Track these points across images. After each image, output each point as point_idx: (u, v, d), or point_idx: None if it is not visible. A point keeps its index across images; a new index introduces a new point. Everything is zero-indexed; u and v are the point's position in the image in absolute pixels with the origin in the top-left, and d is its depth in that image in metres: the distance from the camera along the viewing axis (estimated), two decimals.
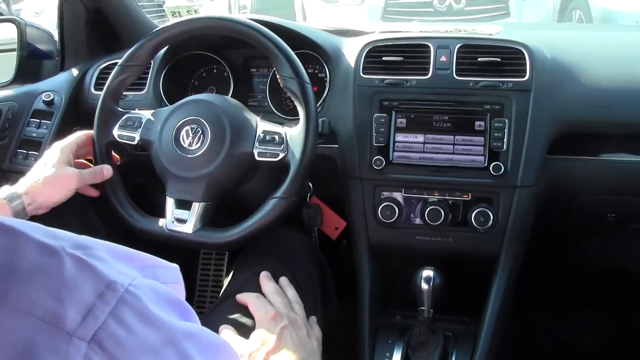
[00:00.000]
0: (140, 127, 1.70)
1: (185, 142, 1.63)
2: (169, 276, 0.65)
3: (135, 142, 1.70)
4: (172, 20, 1.77)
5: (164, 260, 0.65)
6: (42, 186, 1.56)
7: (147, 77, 2.01)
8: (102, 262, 0.56)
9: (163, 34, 1.73)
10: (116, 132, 1.71)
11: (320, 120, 1.71)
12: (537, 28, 3.09)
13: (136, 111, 1.75)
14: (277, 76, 1.64)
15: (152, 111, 1.74)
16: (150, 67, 2.01)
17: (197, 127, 1.63)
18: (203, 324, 0.67)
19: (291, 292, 1.56)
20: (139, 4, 2.37)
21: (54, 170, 1.57)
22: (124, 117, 1.72)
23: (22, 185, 1.56)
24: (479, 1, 6.68)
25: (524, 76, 1.71)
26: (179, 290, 0.66)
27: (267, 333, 1.37)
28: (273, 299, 1.49)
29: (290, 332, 1.39)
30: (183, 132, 1.64)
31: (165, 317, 0.58)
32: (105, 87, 1.74)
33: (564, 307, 2.16)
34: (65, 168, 1.59)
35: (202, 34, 1.76)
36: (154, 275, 0.62)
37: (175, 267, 0.66)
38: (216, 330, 1.44)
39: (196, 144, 1.62)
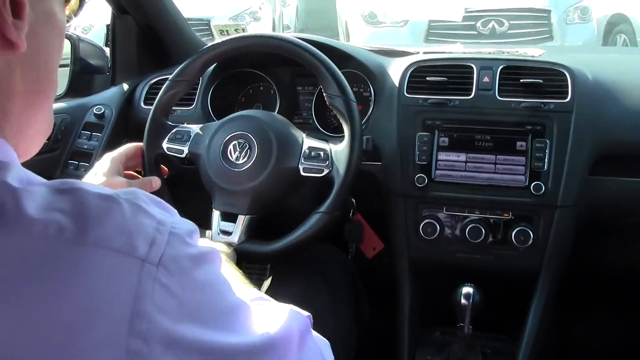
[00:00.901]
0: (188, 141, 1.74)
1: (233, 156, 1.66)
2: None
3: (183, 155, 1.74)
4: (221, 38, 1.81)
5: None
6: None
7: (196, 93, 2.05)
8: (147, 205, 0.67)
9: (213, 51, 1.77)
10: (165, 145, 1.75)
11: (364, 137, 1.73)
12: (579, 51, 3.11)
13: (185, 125, 1.79)
14: (323, 94, 1.67)
15: (201, 125, 1.77)
16: (199, 83, 2.05)
17: (245, 142, 1.66)
18: None
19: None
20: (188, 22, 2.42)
21: (104, 179, 1.60)
22: (173, 131, 1.76)
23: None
24: (522, 25, 6.67)
25: (565, 97, 1.72)
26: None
27: None
28: None
29: None
30: (230, 147, 1.67)
31: (197, 240, 0.72)
32: (155, 101, 1.78)
33: (607, 321, 2.14)
34: (115, 177, 1.63)
35: (250, 51, 1.80)
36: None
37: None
38: None
39: (243, 158, 1.65)
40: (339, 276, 1.83)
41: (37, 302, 0.58)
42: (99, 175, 1.62)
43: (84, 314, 0.59)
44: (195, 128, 1.76)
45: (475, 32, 6.49)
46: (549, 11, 6.76)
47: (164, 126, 1.77)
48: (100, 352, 0.59)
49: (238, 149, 1.66)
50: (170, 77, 1.78)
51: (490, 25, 6.50)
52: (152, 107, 1.78)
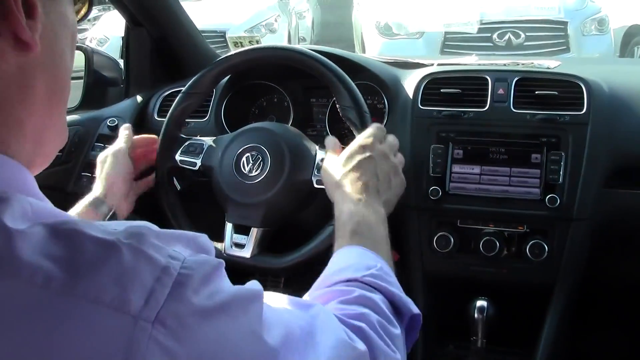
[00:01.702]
0: (201, 153, 1.74)
1: (246, 169, 1.66)
2: (207, 242, 0.71)
3: (196, 168, 1.74)
4: (234, 50, 1.81)
5: (196, 233, 0.71)
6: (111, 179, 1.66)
7: (210, 105, 2.05)
8: (154, 248, 0.62)
9: (225, 63, 1.77)
10: (178, 157, 1.75)
11: None
12: (596, 63, 3.09)
13: (198, 137, 1.79)
14: (337, 106, 1.67)
15: (214, 138, 1.78)
16: (212, 95, 2.05)
17: (257, 154, 1.66)
18: None
19: (391, 137, 1.55)
20: (202, 34, 2.43)
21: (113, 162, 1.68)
22: (186, 143, 1.76)
23: (98, 188, 1.65)
24: (538, 36, 6.66)
25: (581, 109, 1.71)
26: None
27: (353, 157, 1.41)
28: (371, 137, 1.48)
29: (376, 162, 1.40)
30: (243, 159, 1.67)
31: (216, 285, 0.66)
32: (168, 114, 1.78)
33: (620, 337, 2.12)
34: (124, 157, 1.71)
35: (262, 63, 1.80)
36: (198, 244, 0.69)
37: (204, 235, 0.72)
38: None
39: (256, 170, 1.65)
40: None
41: (20, 351, 0.56)
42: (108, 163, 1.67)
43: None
44: (208, 140, 1.77)
45: (492, 44, 6.49)
46: (565, 23, 6.74)
47: (177, 139, 1.78)
48: None
49: (251, 161, 1.66)
50: (182, 89, 1.78)
51: (506, 37, 6.50)
52: (165, 120, 1.78)
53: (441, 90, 1.83)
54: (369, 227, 1.24)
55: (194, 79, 1.77)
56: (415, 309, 1.07)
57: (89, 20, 9.49)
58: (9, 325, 0.56)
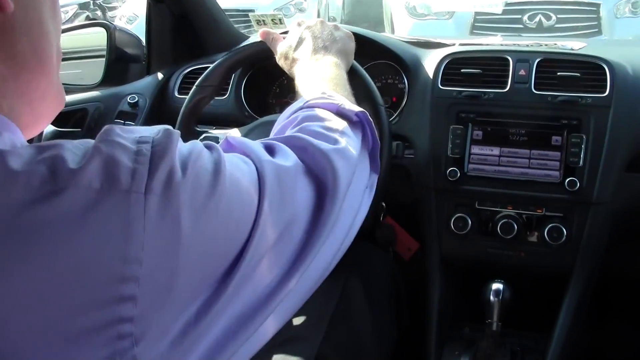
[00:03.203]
0: None
1: None
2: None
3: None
4: (253, 37, 1.80)
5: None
6: None
7: (230, 83, 2.04)
8: (123, 138, 0.67)
9: (238, 55, 1.76)
10: None
11: (394, 143, 1.73)
12: (624, 45, 3.04)
13: (213, 131, 1.78)
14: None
15: (227, 131, 1.77)
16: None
17: None
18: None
19: None
20: (225, 12, 2.42)
21: None
22: (201, 137, 1.76)
23: None
24: (569, 19, 6.57)
25: (604, 92, 1.68)
26: None
27: (293, 35, 1.49)
28: None
29: (313, 29, 1.47)
30: None
31: (187, 151, 0.71)
32: (182, 107, 1.77)
33: (638, 325, 2.10)
34: None
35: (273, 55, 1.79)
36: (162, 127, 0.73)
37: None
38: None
39: None
40: (380, 277, 1.82)
41: (25, 248, 0.59)
42: None
43: (76, 252, 0.60)
44: (222, 134, 1.75)
45: (522, 26, 6.40)
46: (598, 5, 6.63)
47: (192, 132, 1.77)
48: (97, 284, 0.60)
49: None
50: (196, 82, 1.77)
51: (537, 19, 6.41)
52: (180, 113, 1.77)
53: (461, 70, 1.81)
54: (321, 73, 1.32)
55: (206, 72, 1.76)
56: (357, 108, 1.12)
57: None
58: (9, 233, 0.59)
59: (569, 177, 1.66)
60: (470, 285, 1.76)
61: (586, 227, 1.68)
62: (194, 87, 1.77)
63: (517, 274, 1.72)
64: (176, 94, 2.15)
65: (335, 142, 0.97)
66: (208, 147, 0.75)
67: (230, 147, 0.89)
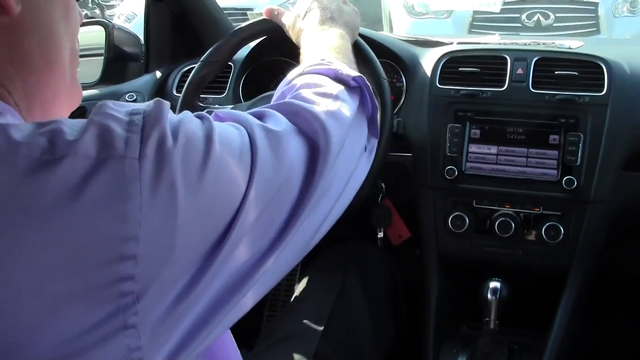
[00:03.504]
0: None
1: None
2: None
3: None
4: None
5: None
6: None
7: (228, 80, 2.05)
8: (115, 110, 0.68)
9: (245, 32, 1.76)
10: None
11: (395, 120, 1.73)
12: (622, 44, 3.05)
13: (216, 107, 1.79)
14: None
15: (231, 106, 1.77)
16: (231, 70, 2.05)
17: None
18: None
19: None
20: (224, 11, 2.42)
21: None
22: (204, 112, 1.76)
23: None
24: (568, 17, 6.57)
25: (601, 91, 1.69)
26: None
27: (301, 6, 1.48)
28: None
29: (321, 1, 1.46)
30: None
31: (177, 119, 0.72)
32: (187, 82, 1.77)
33: (636, 324, 2.10)
34: None
35: (282, 34, 1.79)
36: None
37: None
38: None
39: None
40: (378, 275, 1.83)
41: (26, 215, 0.60)
42: None
43: (78, 217, 0.61)
44: (226, 109, 1.76)
45: (520, 25, 6.40)
46: (596, 4, 6.63)
47: (195, 107, 1.78)
48: (97, 241, 0.62)
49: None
50: (202, 58, 1.77)
51: (535, 18, 6.40)
52: (184, 89, 1.77)
53: (459, 69, 1.81)
54: (326, 42, 1.32)
55: (212, 48, 1.76)
56: (355, 73, 1.12)
57: None
58: (11, 198, 0.61)
59: (566, 176, 1.66)
60: (468, 283, 1.76)
61: (583, 225, 1.69)
62: (200, 62, 1.77)
63: (515, 273, 1.72)
64: (174, 92, 2.15)
65: (327, 105, 0.98)
66: (199, 117, 0.77)
67: (219, 119, 0.89)
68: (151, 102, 0.71)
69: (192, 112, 1.73)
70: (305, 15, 1.45)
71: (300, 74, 1.14)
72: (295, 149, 0.88)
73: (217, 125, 0.77)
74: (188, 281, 0.69)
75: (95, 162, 0.63)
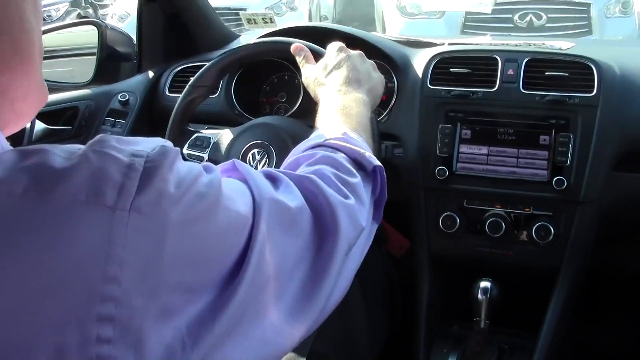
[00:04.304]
0: (208, 147, 1.74)
1: (252, 165, 1.65)
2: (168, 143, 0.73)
3: (204, 162, 1.74)
4: (244, 36, 1.81)
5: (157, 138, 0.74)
6: None
7: (220, 82, 2.05)
8: (117, 150, 0.65)
9: (230, 57, 1.75)
10: (186, 151, 1.74)
11: (384, 145, 1.76)
12: (613, 45, 3.06)
13: (205, 132, 1.79)
14: None
15: (219, 132, 1.77)
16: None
17: (263, 151, 1.66)
18: None
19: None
20: (216, 11, 2.43)
21: None
22: (193, 137, 1.76)
23: None
24: (560, 18, 6.59)
25: (591, 92, 1.69)
26: None
27: (331, 59, 1.46)
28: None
29: (353, 60, 1.45)
30: (249, 156, 1.67)
31: (184, 172, 0.70)
32: (175, 107, 1.76)
33: (631, 318, 2.11)
34: None
35: (269, 57, 1.80)
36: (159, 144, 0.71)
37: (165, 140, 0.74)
38: None
39: (262, 167, 1.64)
40: (374, 273, 1.83)
41: (5, 259, 0.58)
42: None
43: (56, 265, 0.59)
44: (214, 135, 1.76)
45: (513, 25, 6.42)
46: (588, 4, 6.65)
47: (184, 132, 1.78)
48: (74, 300, 0.59)
49: (257, 158, 1.66)
50: (189, 82, 1.77)
51: (528, 19, 6.42)
52: (172, 113, 1.77)
53: (451, 69, 1.82)
54: (347, 108, 1.30)
55: (199, 72, 1.76)
56: (376, 162, 1.13)
57: None
58: None
59: (556, 176, 1.66)
60: (459, 283, 1.77)
61: (574, 225, 1.69)
62: (187, 86, 1.77)
63: (506, 272, 1.73)
64: (167, 92, 2.15)
65: (346, 197, 0.98)
66: (207, 170, 0.75)
67: (233, 170, 0.89)
68: (158, 144, 0.69)
69: (181, 136, 1.74)
70: (332, 71, 1.43)
71: (321, 145, 1.13)
72: (303, 231, 0.88)
73: (224, 184, 0.75)
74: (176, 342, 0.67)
75: (82, 208, 0.60)
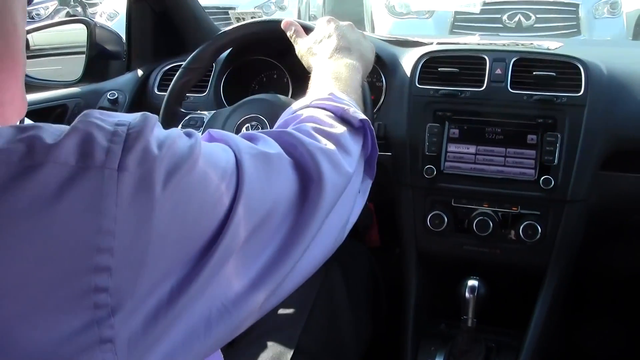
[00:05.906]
0: (202, 127, 1.75)
1: None
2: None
3: None
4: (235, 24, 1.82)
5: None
6: None
7: (209, 80, 2.06)
8: (101, 120, 0.67)
9: (225, 37, 1.78)
10: None
11: (376, 123, 1.75)
12: (601, 45, 3.07)
13: (198, 112, 1.80)
14: None
15: (214, 111, 1.78)
16: (212, 70, 2.06)
17: (257, 124, 1.67)
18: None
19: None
20: (205, 10, 2.43)
21: None
22: (187, 117, 1.77)
23: None
24: (549, 18, 6.61)
25: (578, 91, 1.70)
26: None
27: (321, 31, 1.49)
28: None
29: (342, 29, 1.48)
30: (243, 129, 1.67)
31: (164, 136, 0.71)
32: (169, 89, 1.79)
33: (619, 318, 2.12)
34: None
35: (263, 37, 1.80)
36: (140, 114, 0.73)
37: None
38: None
39: None
40: (359, 270, 1.84)
41: (6, 225, 0.60)
42: None
43: (54, 226, 0.61)
44: (208, 114, 1.77)
45: (501, 25, 6.44)
46: (577, 5, 6.68)
47: (177, 114, 1.79)
48: (73, 254, 0.62)
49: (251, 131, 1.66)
50: (183, 64, 1.78)
51: (516, 19, 6.44)
52: (165, 95, 1.79)
53: (439, 69, 1.82)
54: (337, 73, 1.33)
55: (193, 54, 1.78)
56: (361, 115, 1.14)
57: None
58: None
59: (543, 175, 1.67)
60: (447, 281, 1.78)
61: (561, 224, 1.70)
62: (181, 69, 1.78)
63: (493, 271, 1.73)
64: (156, 90, 2.16)
65: (329, 149, 0.98)
66: (187, 134, 0.76)
67: (211, 138, 0.89)
68: (138, 114, 0.71)
69: (174, 118, 1.75)
70: (322, 40, 1.46)
71: (307, 106, 1.15)
72: (286, 178, 0.89)
73: (204, 144, 0.77)
74: (167, 296, 0.69)
75: (74, 171, 0.62)
